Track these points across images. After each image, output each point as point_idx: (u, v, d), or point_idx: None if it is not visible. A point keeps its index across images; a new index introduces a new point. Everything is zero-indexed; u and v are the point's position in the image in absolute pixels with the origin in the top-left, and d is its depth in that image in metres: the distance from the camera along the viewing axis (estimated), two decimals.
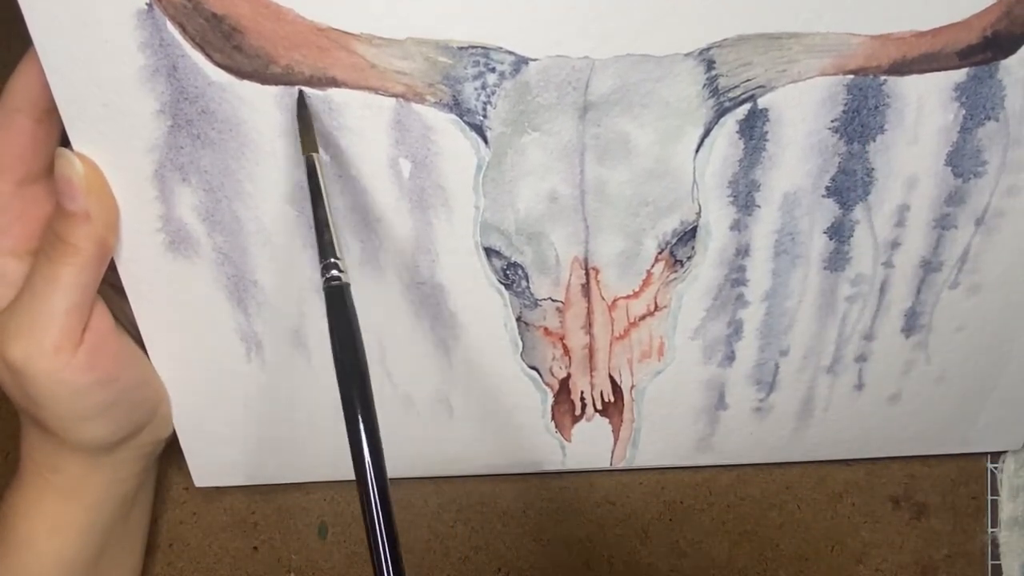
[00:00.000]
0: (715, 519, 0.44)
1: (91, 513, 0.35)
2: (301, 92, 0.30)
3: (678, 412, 0.39)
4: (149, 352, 0.36)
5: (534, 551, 0.44)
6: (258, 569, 0.43)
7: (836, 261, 0.35)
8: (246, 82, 0.30)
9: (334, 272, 0.28)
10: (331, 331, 0.27)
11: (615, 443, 0.41)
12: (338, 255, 0.29)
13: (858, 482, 0.44)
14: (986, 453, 0.43)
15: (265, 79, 0.30)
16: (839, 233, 0.34)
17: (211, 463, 0.40)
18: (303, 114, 0.30)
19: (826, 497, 0.44)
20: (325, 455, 0.40)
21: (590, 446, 0.40)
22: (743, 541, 0.44)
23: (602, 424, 0.40)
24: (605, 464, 0.41)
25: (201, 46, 0.29)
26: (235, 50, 0.29)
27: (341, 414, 0.38)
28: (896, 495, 0.44)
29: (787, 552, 0.44)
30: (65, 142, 0.31)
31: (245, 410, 0.38)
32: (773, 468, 0.43)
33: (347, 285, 0.28)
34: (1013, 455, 0.43)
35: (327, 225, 0.29)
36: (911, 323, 0.37)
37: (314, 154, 0.30)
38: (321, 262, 0.29)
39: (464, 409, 0.39)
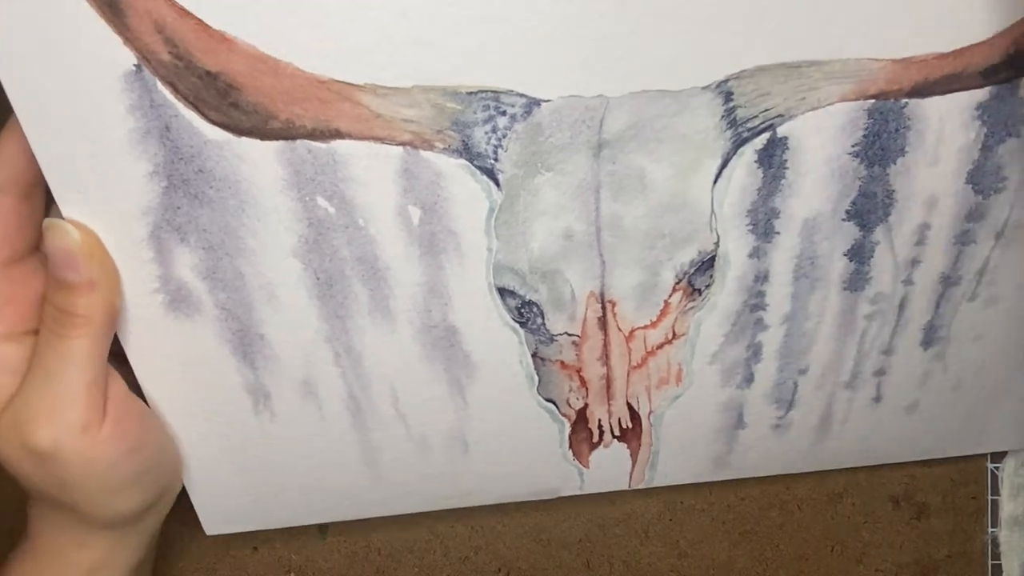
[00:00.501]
0: (715, 519, 0.44)
1: None
2: None
3: (696, 433, 0.39)
4: (154, 411, 0.34)
5: (534, 551, 0.43)
6: (258, 569, 0.43)
7: (856, 282, 0.34)
8: (244, 139, 0.28)
9: None
10: None
11: (633, 466, 0.40)
12: None
13: (858, 482, 0.44)
14: (986, 453, 0.43)
15: (265, 135, 0.28)
16: (859, 255, 0.33)
17: (221, 512, 0.39)
18: None
19: (826, 497, 0.44)
20: (337, 499, 0.39)
21: (608, 471, 0.40)
22: (743, 541, 0.44)
23: (620, 449, 0.39)
24: (623, 486, 0.41)
25: (195, 105, 0.27)
26: (232, 107, 0.27)
27: (354, 459, 0.38)
28: (896, 495, 0.44)
29: (787, 552, 0.44)
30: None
31: (254, 460, 0.37)
32: None
33: None
34: (1013, 455, 0.43)
35: None
36: (930, 336, 0.36)
37: None
38: None
39: (479, 444, 0.38)
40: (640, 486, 0.41)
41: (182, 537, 0.42)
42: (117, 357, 0.33)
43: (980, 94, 0.30)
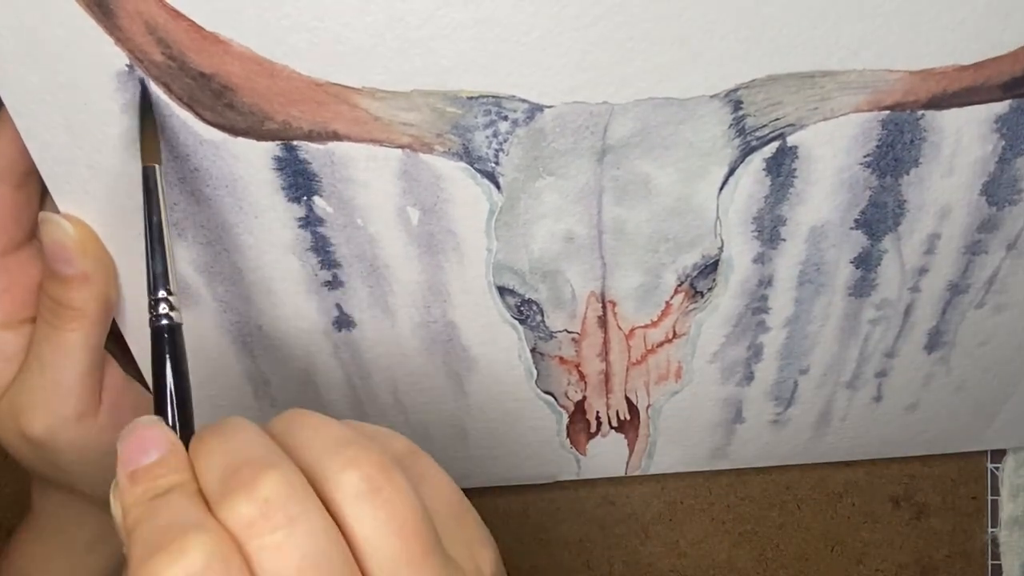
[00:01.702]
0: (715, 519, 0.44)
1: (113, 558, 0.35)
2: (144, 91, 0.26)
3: (694, 426, 0.39)
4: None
5: (534, 551, 0.44)
6: None
7: (861, 288, 0.34)
8: (240, 139, 0.28)
9: (164, 309, 0.25)
10: (155, 376, 0.24)
11: (630, 455, 0.40)
12: (172, 289, 0.25)
13: (858, 482, 0.43)
14: (986, 453, 0.43)
15: (261, 135, 0.28)
16: (866, 263, 0.33)
17: None
18: (146, 119, 0.26)
19: (826, 497, 0.44)
20: None
21: (605, 459, 0.40)
22: (743, 541, 0.44)
23: (618, 439, 0.39)
24: (620, 473, 0.41)
25: (190, 105, 0.27)
26: (227, 108, 0.27)
27: None
28: (896, 495, 0.44)
29: (787, 552, 0.44)
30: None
31: None
32: (773, 468, 0.43)
33: (179, 326, 0.25)
34: (1013, 455, 0.43)
35: (164, 250, 0.26)
36: (934, 341, 0.36)
37: (156, 165, 0.26)
38: (150, 296, 0.25)
39: (478, 432, 0.38)
40: (637, 473, 0.41)
41: None
42: (117, 339, 0.33)
43: (999, 107, 0.29)
